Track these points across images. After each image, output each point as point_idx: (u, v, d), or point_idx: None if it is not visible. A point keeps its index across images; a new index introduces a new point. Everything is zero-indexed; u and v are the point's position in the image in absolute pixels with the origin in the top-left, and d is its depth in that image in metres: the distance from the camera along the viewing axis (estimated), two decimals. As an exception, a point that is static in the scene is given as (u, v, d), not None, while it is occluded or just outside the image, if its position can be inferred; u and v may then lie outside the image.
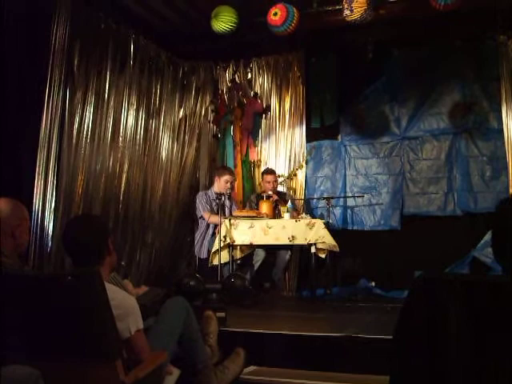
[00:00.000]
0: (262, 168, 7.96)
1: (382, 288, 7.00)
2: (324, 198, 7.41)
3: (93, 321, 2.33)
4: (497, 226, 1.79)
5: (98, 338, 2.34)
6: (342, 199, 7.74)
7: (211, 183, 7.51)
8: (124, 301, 2.61)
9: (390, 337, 1.68)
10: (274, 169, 7.55)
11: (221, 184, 6.93)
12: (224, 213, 6.68)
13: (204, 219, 6.90)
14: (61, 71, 5.62)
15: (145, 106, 7.20)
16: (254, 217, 6.54)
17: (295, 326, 4.83)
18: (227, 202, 6.98)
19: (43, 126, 5.44)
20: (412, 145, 7.54)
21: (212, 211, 6.88)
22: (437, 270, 6.46)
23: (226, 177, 6.95)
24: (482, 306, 1.51)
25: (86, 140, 6.12)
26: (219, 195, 6.61)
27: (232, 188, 7.13)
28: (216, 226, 6.72)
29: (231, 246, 6.39)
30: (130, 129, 6.89)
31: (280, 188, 7.57)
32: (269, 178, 7.23)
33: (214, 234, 6.80)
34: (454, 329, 1.52)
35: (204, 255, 6.83)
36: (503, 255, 1.74)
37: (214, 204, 6.93)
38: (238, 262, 6.60)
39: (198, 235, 6.98)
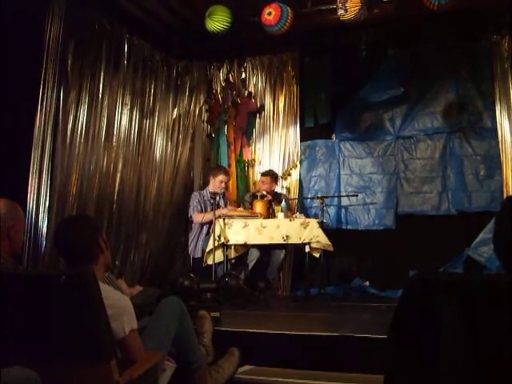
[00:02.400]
0: (256, 167, 8.00)
1: (376, 287, 7.01)
2: (318, 198, 7.40)
3: (87, 320, 2.33)
4: (496, 219, 1.79)
5: (93, 337, 2.33)
6: (336, 199, 7.74)
7: (205, 183, 7.49)
8: (118, 300, 2.60)
9: (385, 336, 1.68)
10: (271, 171, 7.44)
11: (215, 184, 6.92)
12: (218, 213, 6.68)
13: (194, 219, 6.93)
14: (55, 71, 5.61)
15: (139, 105, 7.20)
16: (248, 216, 6.54)
17: (289, 325, 4.83)
18: (221, 202, 6.97)
19: (37, 125, 5.43)
20: (406, 144, 7.55)
21: (205, 211, 6.88)
22: (431, 269, 6.48)
23: (221, 177, 6.94)
24: (477, 305, 1.51)
25: (80, 140, 6.12)
26: (213, 194, 6.62)
27: (226, 188, 7.12)
28: (210, 225, 6.74)
29: (225, 246, 6.39)
30: (124, 129, 6.89)
31: (277, 189, 7.53)
32: (261, 178, 7.27)
33: (208, 234, 6.81)
34: (448, 328, 1.53)
35: (198, 255, 6.82)
36: (503, 251, 1.74)
37: (208, 204, 6.93)
38: (233, 261, 6.60)
39: (191, 235, 6.96)
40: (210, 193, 6.80)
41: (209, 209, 6.87)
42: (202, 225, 6.89)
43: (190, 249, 6.94)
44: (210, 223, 6.69)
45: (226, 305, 5.50)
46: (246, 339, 4.22)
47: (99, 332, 2.33)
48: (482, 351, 1.49)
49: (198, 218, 6.83)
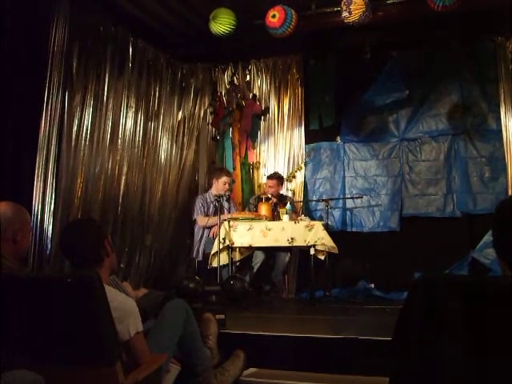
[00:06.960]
0: (261, 170, 8.00)
1: (381, 289, 6.98)
2: (323, 200, 7.41)
3: (92, 323, 2.33)
4: (498, 223, 1.78)
5: (98, 340, 2.33)
6: (341, 201, 7.73)
7: (210, 186, 7.48)
8: (123, 303, 2.60)
9: (390, 338, 1.68)
10: (277, 173, 7.38)
11: (219, 186, 6.92)
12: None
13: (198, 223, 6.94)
14: (60, 74, 5.62)
15: (143, 108, 7.21)
16: (252, 219, 6.54)
17: (294, 327, 4.83)
18: (226, 204, 6.95)
19: (42, 128, 5.44)
20: (411, 146, 7.54)
21: (208, 214, 6.90)
22: (436, 271, 6.46)
23: (224, 178, 6.95)
24: (482, 307, 1.51)
25: (85, 142, 6.13)
26: (218, 197, 6.62)
27: (231, 189, 7.12)
28: (211, 228, 6.77)
29: (230, 248, 6.38)
30: (129, 131, 6.90)
31: (282, 191, 7.50)
32: (268, 182, 7.22)
33: (209, 236, 6.82)
34: (453, 330, 1.53)
35: (200, 257, 6.83)
36: (506, 252, 1.74)
37: (212, 206, 6.94)
38: (238, 264, 6.60)
39: (196, 238, 6.98)
40: (215, 195, 6.80)
41: (211, 211, 6.90)
42: (204, 228, 6.89)
43: (194, 252, 6.95)
44: (212, 225, 6.74)
45: (231, 307, 5.50)
46: (251, 342, 4.21)
47: (104, 334, 2.33)
48: (486, 353, 1.48)
49: (202, 221, 6.84)
